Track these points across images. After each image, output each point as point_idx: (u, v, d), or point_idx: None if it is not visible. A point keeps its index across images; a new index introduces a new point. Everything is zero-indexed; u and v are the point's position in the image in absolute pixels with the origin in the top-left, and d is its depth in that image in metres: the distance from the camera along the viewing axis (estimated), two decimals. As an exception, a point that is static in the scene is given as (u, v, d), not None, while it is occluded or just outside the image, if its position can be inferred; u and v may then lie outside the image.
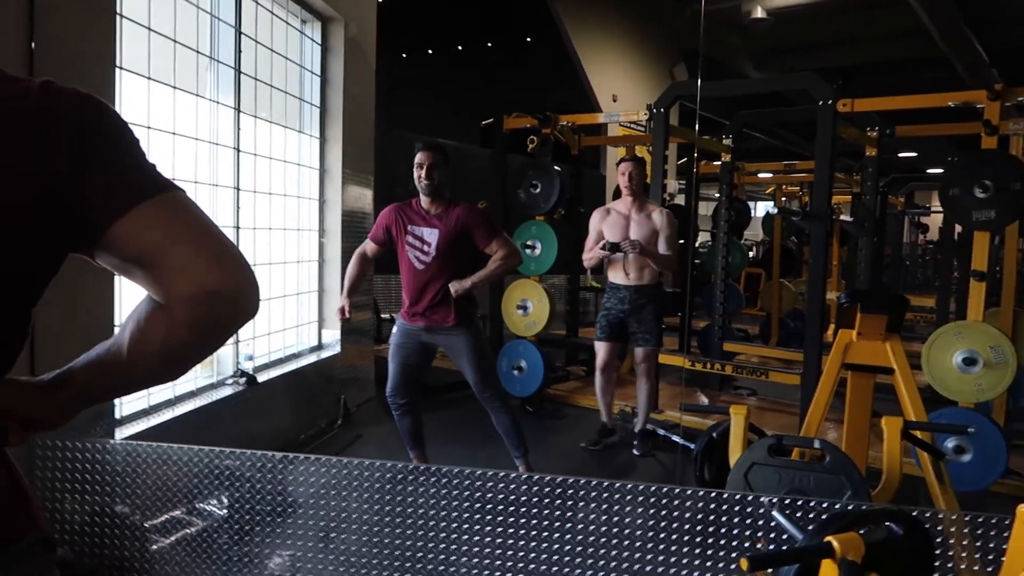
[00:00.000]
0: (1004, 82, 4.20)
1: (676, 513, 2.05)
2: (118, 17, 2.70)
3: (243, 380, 3.72)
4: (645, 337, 4.37)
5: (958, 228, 6.79)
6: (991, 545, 1.89)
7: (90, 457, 2.25)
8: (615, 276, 4.41)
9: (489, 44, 13.77)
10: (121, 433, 2.78)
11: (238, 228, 3.79)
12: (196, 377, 3.55)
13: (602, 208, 4.53)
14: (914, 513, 1.80)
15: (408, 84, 13.36)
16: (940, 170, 11.35)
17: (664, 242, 4.32)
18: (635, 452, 4.53)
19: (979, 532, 1.90)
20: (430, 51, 14.16)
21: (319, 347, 4.94)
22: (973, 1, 9.58)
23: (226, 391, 3.66)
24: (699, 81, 4.24)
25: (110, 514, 2.25)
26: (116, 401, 2.79)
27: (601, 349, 4.51)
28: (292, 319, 4.62)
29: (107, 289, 2.74)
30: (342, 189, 4.92)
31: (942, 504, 2.43)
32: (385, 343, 6.13)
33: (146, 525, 2.28)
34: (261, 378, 3.93)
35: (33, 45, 2.24)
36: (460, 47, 14.03)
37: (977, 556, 1.90)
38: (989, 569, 1.87)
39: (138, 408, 3.03)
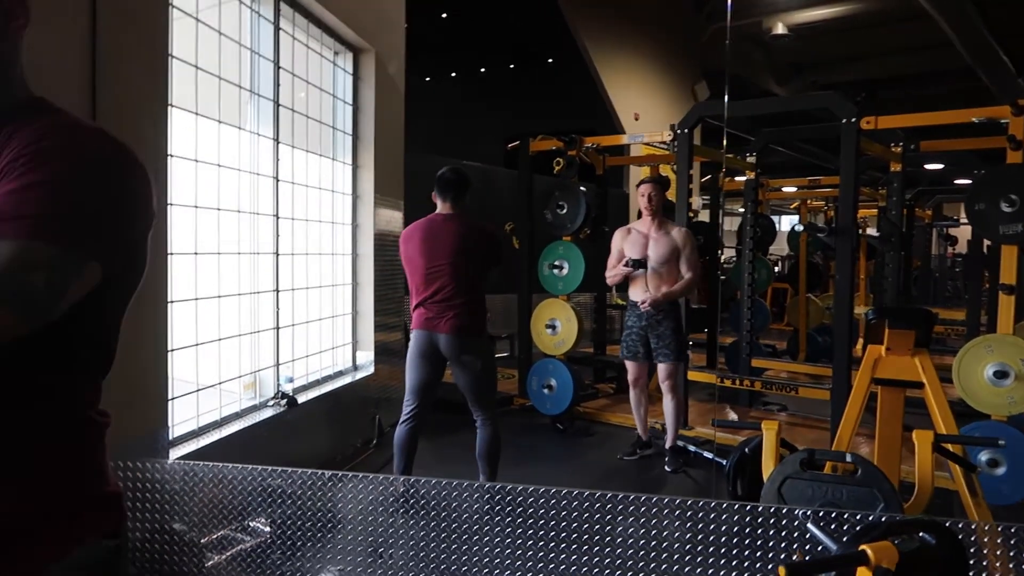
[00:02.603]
0: (1032, 92, 4.24)
1: (712, 526, 2.11)
2: (170, 58, 2.84)
3: (284, 402, 3.83)
4: (665, 352, 4.47)
5: (987, 241, 6.77)
6: (1024, 555, 1.92)
7: (148, 476, 2.36)
8: (635, 294, 4.54)
9: (511, 66, 13.99)
10: (174, 454, 2.90)
11: (277, 254, 3.92)
12: (240, 399, 3.66)
13: (623, 228, 4.68)
14: (947, 524, 1.85)
15: (432, 107, 13.60)
16: (968, 181, 11.31)
17: (684, 261, 4.46)
18: (667, 468, 4.58)
19: (1012, 542, 1.94)
20: (453, 74, 14.41)
21: (354, 368, 5.05)
22: (998, 12, 9.57)
23: (268, 412, 3.77)
24: (726, 100, 4.33)
25: (168, 531, 2.36)
26: (168, 422, 2.92)
27: (629, 367, 4.64)
28: (328, 341, 4.74)
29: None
30: (374, 213, 5.05)
31: (975, 516, 2.46)
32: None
33: (202, 542, 2.38)
34: (299, 399, 4.04)
35: (95, 89, 2.38)
36: (483, 69, 14.26)
37: (1011, 566, 1.93)
38: (1023, 579, 1.90)
39: (188, 429, 3.15)
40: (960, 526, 1.98)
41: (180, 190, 3.02)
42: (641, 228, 4.54)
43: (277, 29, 3.82)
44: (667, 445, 4.66)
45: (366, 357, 5.13)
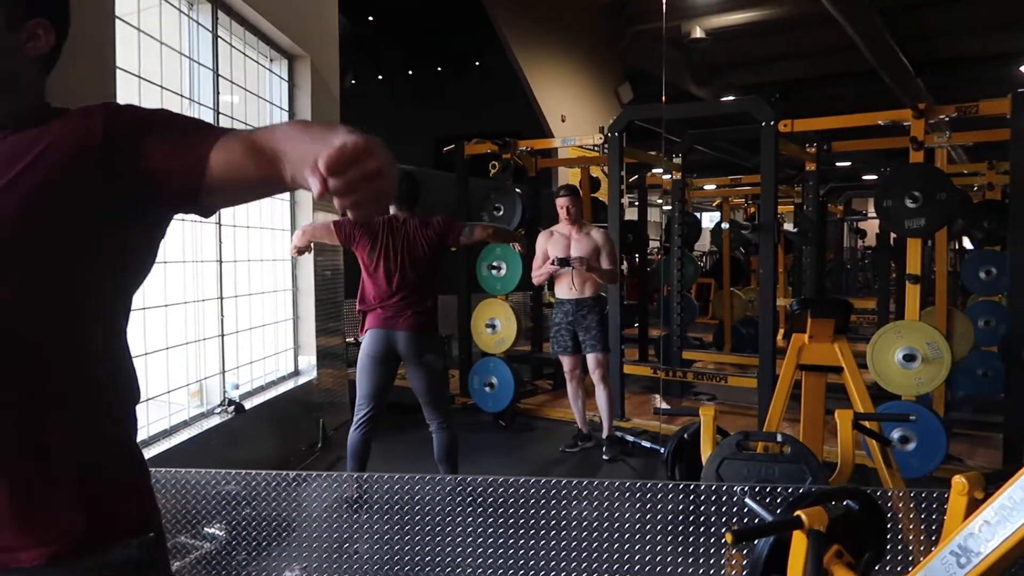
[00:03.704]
0: (929, 92, 4.60)
1: (659, 505, 2.28)
2: (117, 70, 2.85)
3: (231, 408, 3.84)
4: (592, 344, 4.70)
5: (894, 234, 7.23)
6: (934, 517, 2.16)
7: (109, 486, 2.38)
8: (560, 291, 4.79)
9: (439, 69, 14.04)
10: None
11: (220, 262, 3.92)
12: (188, 407, 3.66)
13: (546, 230, 4.90)
14: (868, 491, 2.06)
15: (359, 110, 13.51)
16: (875, 176, 11.99)
17: (606, 258, 4.72)
18: (604, 457, 4.76)
19: (923, 506, 2.17)
20: (380, 77, 14.36)
21: (296, 373, 5.07)
22: (899, 18, 10.20)
23: (215, 420, 3.77)
24: (663, 103, 4.58)
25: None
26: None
27: (563, 360, 4.87)
28: (271, 347, 4.75)
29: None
30: (312, 218, 5.07)
31: (891, 485, 2.71)
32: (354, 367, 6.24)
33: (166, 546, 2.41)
34: (245, 406, 4.05)
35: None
36: (410, 72, 14.27)
37: (923, 527, 2.17)
38: (933, 537, 2.14)
39: (139, 439, 3.14)
40: (879, 493, 2.20)
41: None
42: (562, 230, 4.78)
43: (215, 37, 3.83)
44: (604, 435, 4.85)
45: (308, 361, 5.15)
